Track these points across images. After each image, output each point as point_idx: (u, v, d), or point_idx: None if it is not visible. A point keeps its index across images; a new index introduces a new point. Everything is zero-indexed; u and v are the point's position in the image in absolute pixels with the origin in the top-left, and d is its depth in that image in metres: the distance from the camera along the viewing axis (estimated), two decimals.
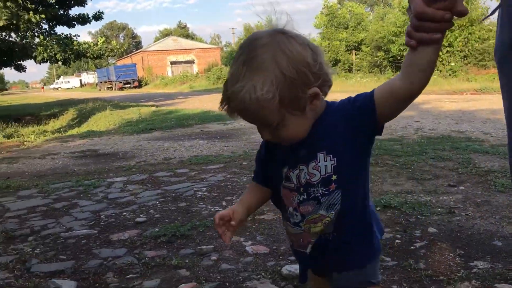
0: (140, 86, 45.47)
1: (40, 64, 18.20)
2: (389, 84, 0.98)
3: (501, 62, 1.23)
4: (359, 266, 1.13)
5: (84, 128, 12.14)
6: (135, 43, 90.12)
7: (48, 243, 2.79)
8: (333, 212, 1.05)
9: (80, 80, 78.92)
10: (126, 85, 44.77)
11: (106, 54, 19.29)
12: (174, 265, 2.33)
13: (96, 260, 2.47)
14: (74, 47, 17.42)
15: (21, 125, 14.55)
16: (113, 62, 62.86)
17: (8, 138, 10.26)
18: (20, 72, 21.11)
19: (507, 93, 1.24)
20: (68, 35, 18.34)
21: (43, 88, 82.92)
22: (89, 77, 74.09)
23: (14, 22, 15.33)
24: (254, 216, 3.01)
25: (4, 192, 4.31)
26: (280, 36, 0.97)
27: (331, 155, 1.03)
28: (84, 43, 18.15)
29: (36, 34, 17.89)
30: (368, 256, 1.14)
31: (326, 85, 1.00)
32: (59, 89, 76.47)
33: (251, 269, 2.25)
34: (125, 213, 3.31)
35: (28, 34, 17.73)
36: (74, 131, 11.57)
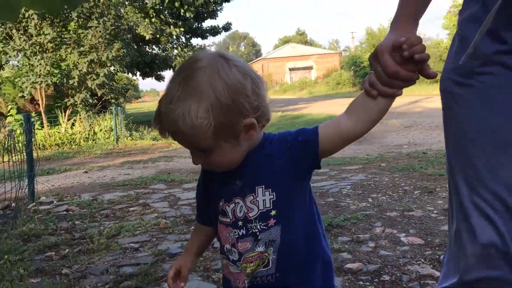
0: None
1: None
2: (336, 123, 0.98)
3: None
4: None
5: None
6: (255, 51, 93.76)
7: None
8: (272, 248, 1.00)
9: None
10: None
11: None
12: (336, 249, 2.62)
13: None
14: None
15: None
16: None
17: (156, 140, 11.58)
18: (160, 81, 23.33)
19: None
20: (202, 45, 20.00)
21: None
22: None
23: (158, 36, 17.23)
24: (403, 212, 3.20)
25: (171, 184, 5.04)
26: (221, 60, 0.94)
27: (270, 189, 0.99)
28: None
29: (175, 46, 19.79)
30: None
31: (264, 118, 0.98)
32: None
33: (409, 255, 2.46)
34: None
35: (168, 47, 19.70)
36: None
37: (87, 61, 11.40)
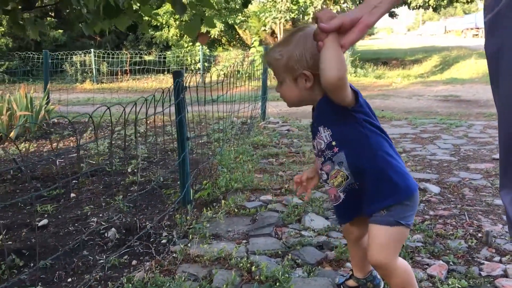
0: None
1: (412, 10, 19.11)
2: None
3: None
4: (382, 207, 1.33)
5: (446, 74, 12.47)
6: None
7: (417, 161, 3.55)
8: (343, 167, 1.34)
9: (445, 27, 77.08)
10: None
11: None
12: None
13: (455, 178, 3.06)
14: None
15: (388, 68, 16.10)
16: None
17: (378, 78, 11.77)
18: (393, 18, 22.70)
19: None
20: None
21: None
22: (455, 23, 71.40)
23: None
24: None
25: (381, 120, 5.38)
26: (308, 32, 1.30)
27: (326, 128, 1.35)
28: None
29: None
30: (393, 197, 1.32)
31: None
32: (421, 35, 77.25)
33: None
34: (483, 150, 3.72)
35: None
36: (437, 77, 12.08)
37: None
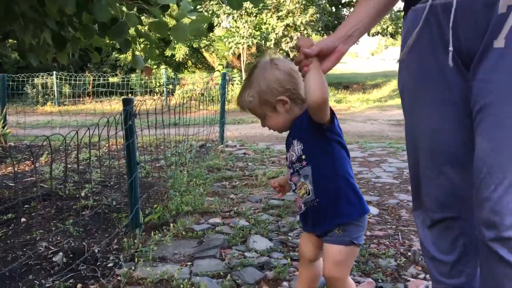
0: None
1: (372, 36, 19.88)
2: None
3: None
4: (337, 223, 1.46)
5: None
6: None
7: (362, 183, 3.74)
8: (308, 181, 1.45)
9: None
10: None
11: None
12: None
13: (394, 200, 3.26)
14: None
15: (349, 92, 16.60)
16: None
17: (338, 103, 12.15)
18: (356, 44, 23.45)
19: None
20: (399, 8, 19.33)
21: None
22: None
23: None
24: None
25: None
26: (268, 63, 1.49)
27: (299, 141, 1.47)
28: None
29: None
30: (348, 215, 1.45)
31: (295, 97, 1.47)
32: (384, 59, 79.72)
33: None
34: None
35: None
36: (394, 101, 12.57)
37: (284, 25, 12.43)
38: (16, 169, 4.58)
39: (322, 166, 1.44)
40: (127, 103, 2.55)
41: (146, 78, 13.56)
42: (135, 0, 1.73)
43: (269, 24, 12.97)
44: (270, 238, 2.56)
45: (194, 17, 1.60)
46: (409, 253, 2.33)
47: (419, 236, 1.46)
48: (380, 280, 2.04)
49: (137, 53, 2.20)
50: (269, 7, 12.92)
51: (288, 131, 1.56)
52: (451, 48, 1.15)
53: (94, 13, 1.48)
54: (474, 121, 1.16)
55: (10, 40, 2.73)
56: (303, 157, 1.46)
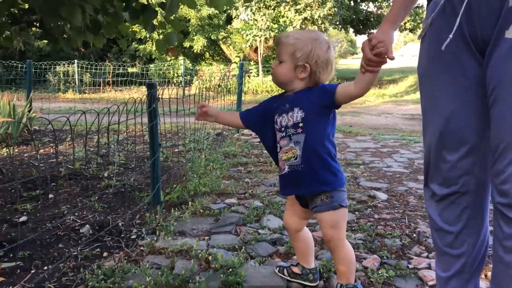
0: None
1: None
2: (347, 86, 1.55)
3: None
4: (325, 190, 1.61)
5: (418, 95, 12.94)
6: None
7: (373, 172, 3.86)
8: (298, 147, 1.59)
9: None
10: None
11: None
12: None
13: (403, 187, 3.38)
14: (422, 17, 18.19)
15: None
16: None
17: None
18: None
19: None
20: (418, 4, 19.19)
21: None
22: None
23: None
24: None
25: (347, 135, 5.71)
26: (321, 39, 1.64)
27: (301, 110, 1.59)
28: None
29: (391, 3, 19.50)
30: (332, 184, 1.61)
31: (315, 75, 1.61)
32: (403, 56, 78.81)
33: None
34: None
35: (383, 5, 19.57)
36: (410, 96, 12.56)
37: (301, 18, 12.49)
38: (42, 150, 4.80)
39: (315, 137, 1.59)
40: (151, 87, 2.71)
41: (173, 57, 13.73)
42: None
43: (287, 17, 13.05)
44: (282, 217, 2.70)
45: None
46: (414, 235, 2.45)
47: (426, 210, 1.59)
48: (385, 257, 2.17)
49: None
50: (287, 0, 12.99)
51: (277, 97, 1.74)
52: (451, 36, 1.28)
53: None
54: (488, 103, 1.29)
55: (33, 29, 2.89)
56: (301, 124, 1.60)
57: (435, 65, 1.40)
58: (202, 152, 4.37)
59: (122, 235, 2.50)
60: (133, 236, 2.47)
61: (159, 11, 2.01)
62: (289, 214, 1.82)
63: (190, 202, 2.92)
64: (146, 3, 2.01)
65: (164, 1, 1.93)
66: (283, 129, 1.65)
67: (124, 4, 2.09)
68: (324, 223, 1.66)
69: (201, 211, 2.80)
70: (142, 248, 2.28)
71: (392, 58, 1.42)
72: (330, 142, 1.62)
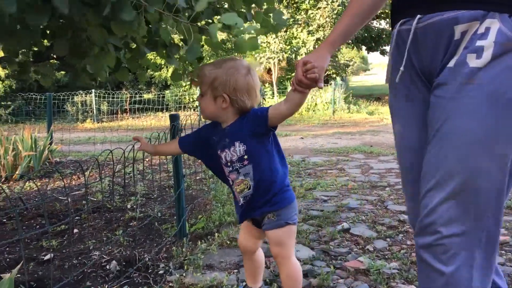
0: None
1: None
2: (279, 106, 1.55)
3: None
4: (273, 210, 1.66)
5: None
6: None
7: (399, 194, 3.77)
8: (249, 177, 1.63)
9: None
10: None
11: None
12: None
13: None
14: None
15: (381, 103, 16.49)
16: None
17: (370, 115, 12.10)
18: (384, 56, 23.35)
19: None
20: None
21: None
22: None
23: (386, 10, 17.35)
24: None
25: (369, 155, 5.62)
26: (245, 66, 1.64)
27: (242, 143, 1.62)
28: None
29: None
30: (278, 203, 1.66)
31: (238, 101, 1.61)
32: None
33: None
34: None
35: None
36: None
37: (314, 39, 12.55)
38: (64, 183, 4.83)
39: (261, 164, 1.63)
40: (174, 118, 2.69)
41: (188, 83, 13.92)
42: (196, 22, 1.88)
43: (300, 38, 13.12)
44: (311, 247, 2.63)
45: (251, 33, 1.76)
46: None
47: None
48: None
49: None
50: (300, 22, 13.09)
51: (216, 128, 1.73)
52: (402, 68, 1.27)
53: (162, 36, 1.64)
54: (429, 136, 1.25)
55: (51, 61, 2.91)
56: (246, 157, 1.63)
57: (393, 101, 1.39)
58: None
59: (149, 270, 2.45)
60: (161, 271, 2.42)
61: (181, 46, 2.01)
62: (245, 237, 1.88)
63: (216, 233, 2.87)
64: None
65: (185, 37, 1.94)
66: (229, 164, 1.68)
67: (146, 39, 2.10)
68: (271, 240, 1.72)
69: (228, 242, 2.74)
70: (171, 284, 2.23)
71: (320, 87, 1.42)
72: (277, 163, 1.66)
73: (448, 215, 1.14)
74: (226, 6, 2.11)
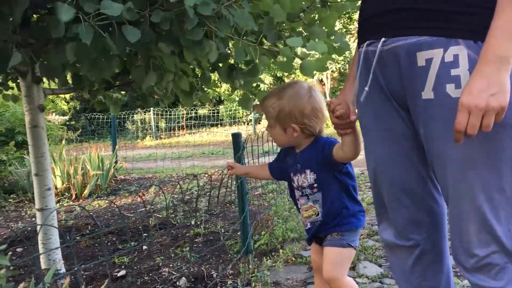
0: None
1: None
2: (338, 151, 1.54)
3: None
4: (339, 230, 1.64)
5: None
6: None
7: None
8: (318, 204, 1.65)
9: None
10: None
11: None
12: None
13: None
14: None
15: None
16: None
17: None
18: None
19: None
20: None
21: None
22: None
23: None
24: None
25: None
26: (307, 90, 1.62)
27: (312, 172, 1.64)
28: None
29: None
30: (346, 225, 1.64)
31: (307, 127, 1.61)
32: None
33: None
34: None
35: None
36: None
37: None
38: (130, 200, 5.03)
39: (331, 195, 1.64)
40: (236, 137, 2.75)
41: (255, 112, 14.24)
42: (267, 45, 1.94)
43: (352, 47, 13.00)
44: (379, 264, 2.59)
45: (318, 55, 1.78)
46: None
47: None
48: None
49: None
50: (352, 32, 12.97)
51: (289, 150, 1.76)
52: (366, 88, 1.25)
53: (235, 57, 1.71)
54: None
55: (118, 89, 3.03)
56: (315, 185, 1.65)
57: (364, 120, 1.37)
58: (283, 194, 4.35)
59: (217, 287, 2.50)
60: None
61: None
62: (315, 254, 1.85)
63: (280, 250, 2.89)
64: (232, 62, 2.08)
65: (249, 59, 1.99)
66: (300, 188, 1.70)
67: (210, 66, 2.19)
68: (327, 257, 1.68)
69: (293, 259, 2.75)
70: None
71: (353, 120, 1.40)
72: (348, 191, 1.66)
73: None
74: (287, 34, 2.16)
